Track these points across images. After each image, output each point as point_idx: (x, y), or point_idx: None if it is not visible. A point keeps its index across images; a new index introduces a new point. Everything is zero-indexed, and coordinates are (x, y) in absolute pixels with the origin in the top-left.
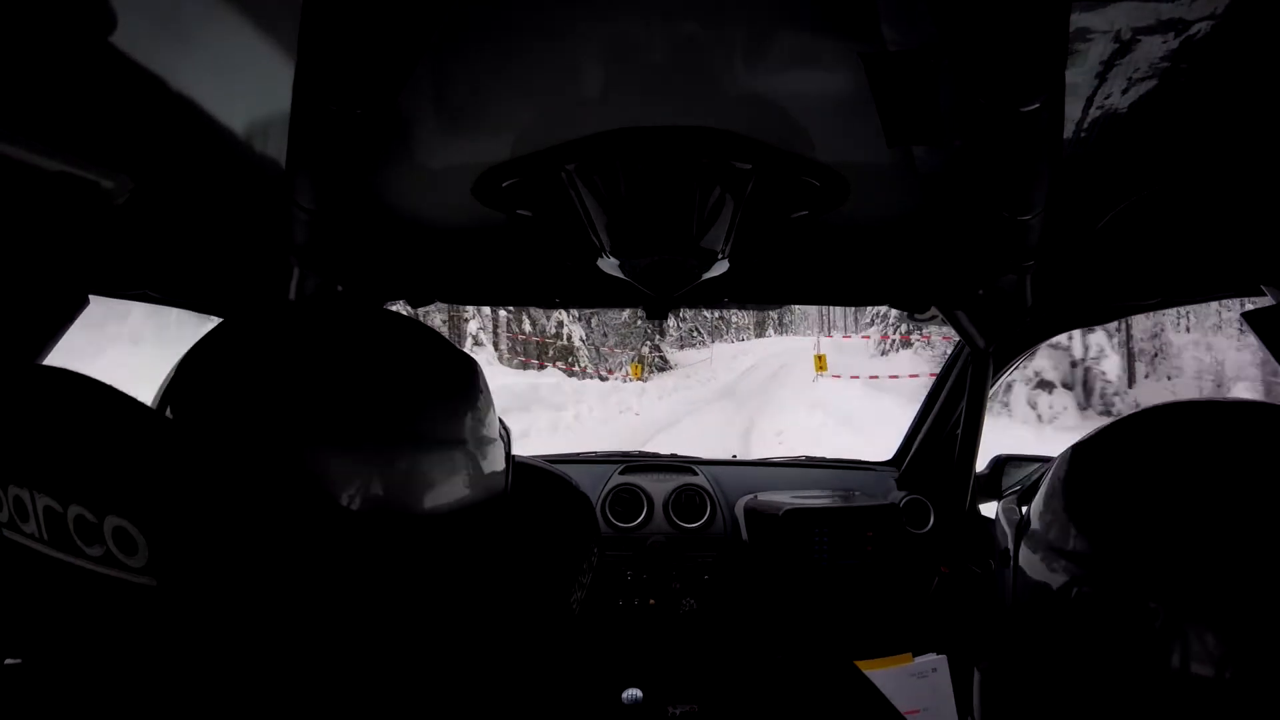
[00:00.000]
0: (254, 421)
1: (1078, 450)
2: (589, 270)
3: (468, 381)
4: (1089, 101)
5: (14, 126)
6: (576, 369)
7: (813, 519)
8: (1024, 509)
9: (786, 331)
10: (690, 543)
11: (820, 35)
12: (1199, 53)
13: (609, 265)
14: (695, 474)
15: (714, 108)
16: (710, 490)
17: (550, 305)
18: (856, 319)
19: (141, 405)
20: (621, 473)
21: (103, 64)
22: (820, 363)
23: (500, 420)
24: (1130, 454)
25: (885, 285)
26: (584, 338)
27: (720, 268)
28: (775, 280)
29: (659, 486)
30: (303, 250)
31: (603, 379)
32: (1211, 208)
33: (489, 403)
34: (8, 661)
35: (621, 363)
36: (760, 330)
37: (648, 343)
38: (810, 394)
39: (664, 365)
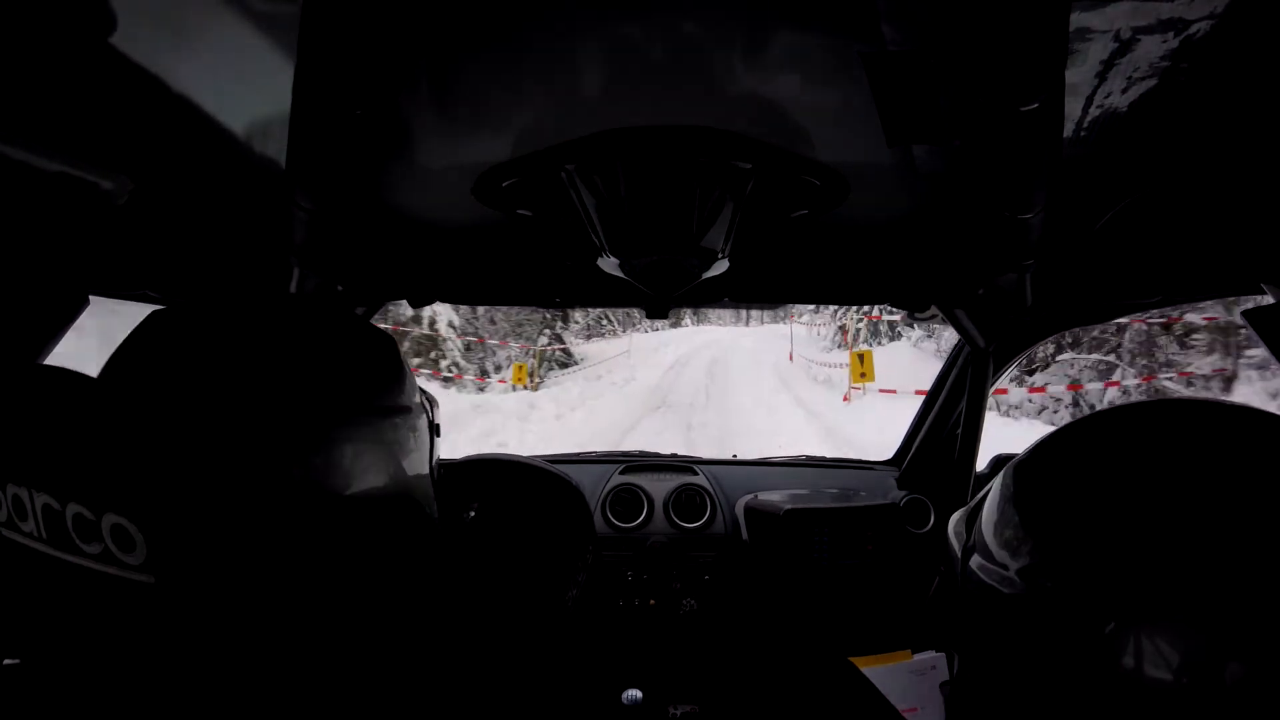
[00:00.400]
0: (226, 421)
1: (1019, 467)
2: (589, 270)
3: (389, 357)
4: (1089, 101)
5: (14, 126)
6: (444, 370)
7: (813, 519)
8: (973, 531)
9: (703, 321)
10: (690, 543)
11: (820, 35)
12: (1199, 53)
13: (609, 265)
14: (695, 474)
15: (714, 107)
16: (710, 490)
17: (550, 305)
18: (781, 312)
19: (141, 405)
20: (622, 472)
21: (103, 64)
22: (861, 367)
23: (422, 390)
24: (1071, 463)
25: (885, 284)
26: (454, 325)
27: (720, 267)
28: (775, 280)
29: (659, 486)
30: (303, 250)
31: (481, 387)
32: (1211, 207)
33: (411, 378)
34: (7, 662)
35: (512, 358)
36: (675, 319)
37: (546, 331)
38: (829, 416)
39: (567, 361)
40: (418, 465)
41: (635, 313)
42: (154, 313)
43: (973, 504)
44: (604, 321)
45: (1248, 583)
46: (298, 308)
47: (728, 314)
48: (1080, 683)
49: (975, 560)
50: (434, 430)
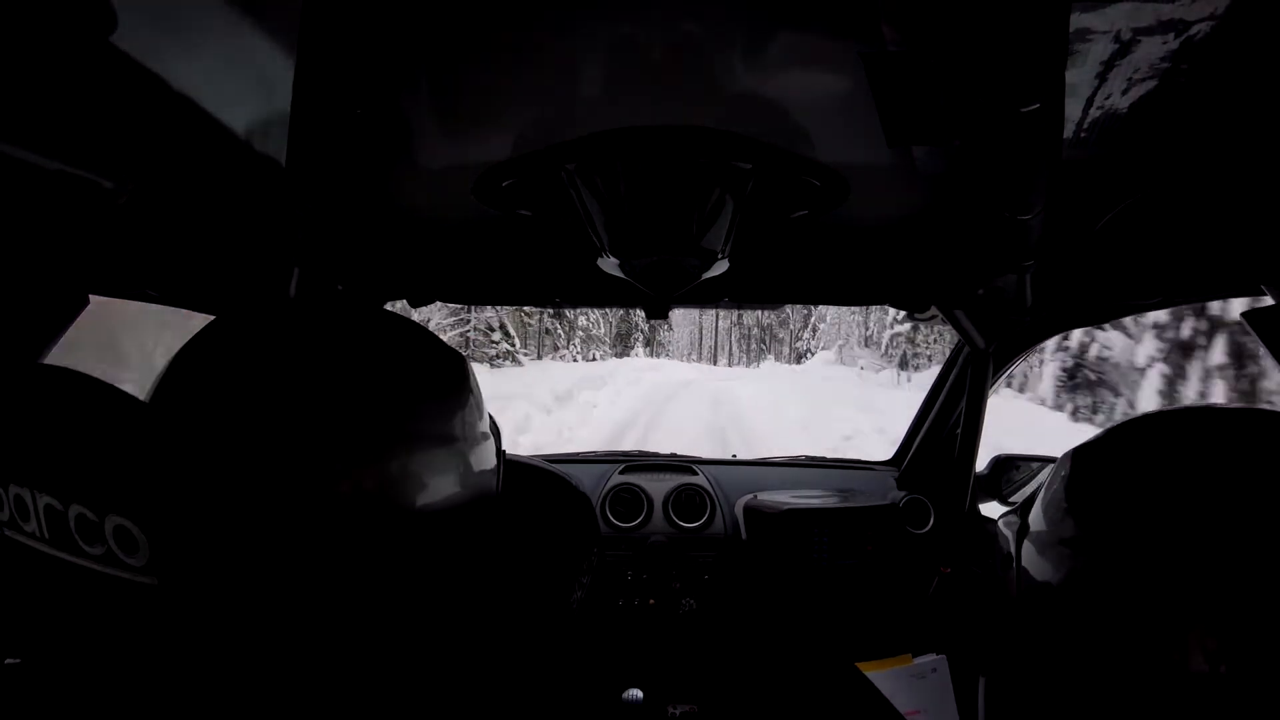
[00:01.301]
0: (250, 424)
1: (1079, 453)
2: (589, 270)
3: (458, 379)
4: (1089, 101)
5: (14, 126)
6: None
7: (812, 519)
8: (1027, 516)
9: (661, 353)
10: (690, 542)
11: (820, 35)
12: (1199, 53)
13: (609, 265)
14: (695, 474)
15: (714, 107)
16: (710, 490)
17: (550, 305)
18: (754, 346)
19: (142, 404)
20: (621, 472)
21: (103, 64)
22: None
23: (490, 416)
24: (1136, 455)
25: (885, 285)
26: None
27: (720, 267)
28: (775, 280)
29: (659, 486)
30: (303, 250)
31: None
32: (1211, 208)
33: (480, 400)
34: (8, 661)
35: None
36: (623, 346)
37: None
38: None
39: None
40: (474, 486)
41: (559, 324)
42: (212, 321)
43: (1023, 500)
44: (499, 334)
45: None
46: (345, 312)
47: (685, 342)
48: (1128, 672)
49: (1027, 552)
50: (500, 457)
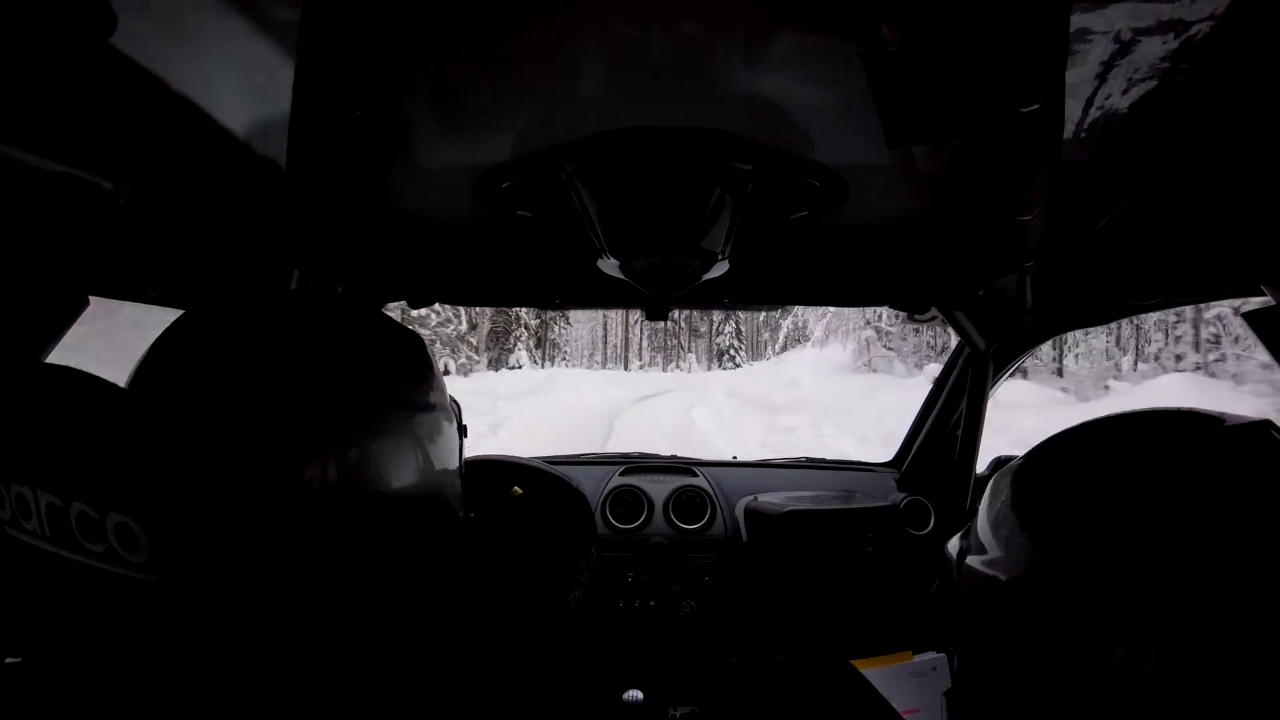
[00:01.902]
0: (224, 416)
1: (1021, 472)
2: (589, 270)
3: (418, 357)
4: (1089, 101)
5: (14, 126)
6: None
7: (813, 520)
8: (968, 535)
9: (557, 356)
10: (690, 544)
11: (820, 35)
12: (1199, 53)
13: (609, 266)
14: (695, 475)
15: (714, 108)
16: (710, 491)
17: (550, 305)
18: (672, 344)
19: (143, 404)
20: (622, 474)
21: (103, 64)
22: None
23: (452, 398)
24: (1081, 466)
25: (885, 286)
26: None
27: (720, 268)
28: (775, 281)
29: (659, 488)
30: (303, 250)
31: None
32: (1211, 208)
33: (439, 378)
34: (8, 660)
35: None
36: (500, 350)
37: None
38: None
39: None
40: (446, 463)
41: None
42: (181, 315)
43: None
44: None
45: (1233, 583)
46: (316, 305)
47: (586, 341)
48: (1075, 677)
49: (971, 560)
50: (461, 432)
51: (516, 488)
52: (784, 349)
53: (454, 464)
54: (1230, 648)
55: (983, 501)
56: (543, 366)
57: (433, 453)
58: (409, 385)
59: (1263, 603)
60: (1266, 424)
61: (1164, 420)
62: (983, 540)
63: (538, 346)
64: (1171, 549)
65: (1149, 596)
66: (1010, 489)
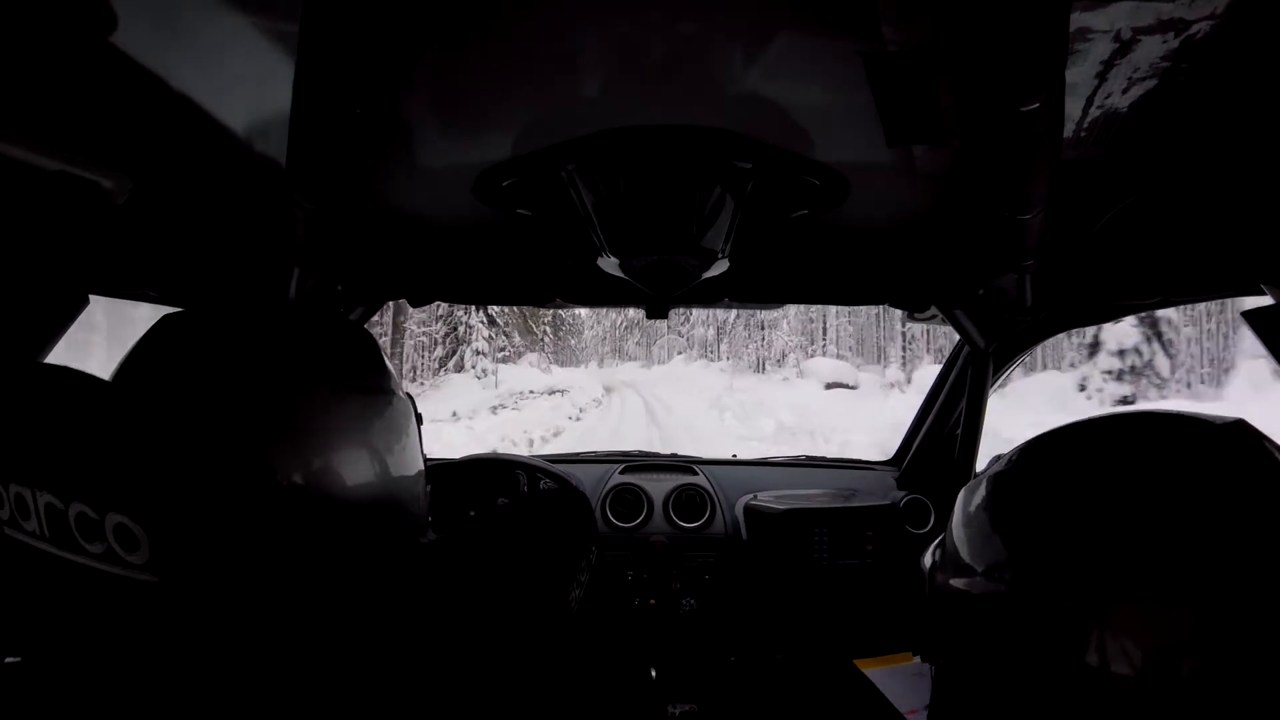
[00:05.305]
0: (239, 420)
1: (997, 479)
2: (589, 270)
3: (370, 352)
4: (1089, 101)
5: (14, 126)
6: None
7: (813, 519)
8: (943, 540)
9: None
10: (690, 542)
11: (820, 35)
12: (1199, 53)
13: (609, 265)
14: (695, 474)
15: (714, 107)
16: (710, 490)
17: (550, 305)
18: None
19: (144, 404)
20: (622, 472)
21: (103, 64)
22: None
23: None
24: (1054, 472)
25: (885, 285)
26: None
27: (720, 267)
28: (775, 280)
29: (659, 486)
30: (303, 250)
31: None
32: (1211, 207)
33: (392, 373)
34: (8, 660)
35: None
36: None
37: None
38: None
39: None
40: (410, 458)
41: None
42: (164, 317)
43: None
44: None
45: (1204, 582)
46: (292, 311)
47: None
48: (1049, 681)
49: (944, 573)
50: (419, 420)
51: (523, 483)
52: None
53: (417, 463)
54: (1213, 651)
55: (955, 508)
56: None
57: (395, 441)
58: (369, 371)
59: (1245, 606)
60: (1241, 423)
61: (1141, 422)
62: (957, 548)
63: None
64: (1151, 552)
65: (1126, 600)
66: (986, 495)
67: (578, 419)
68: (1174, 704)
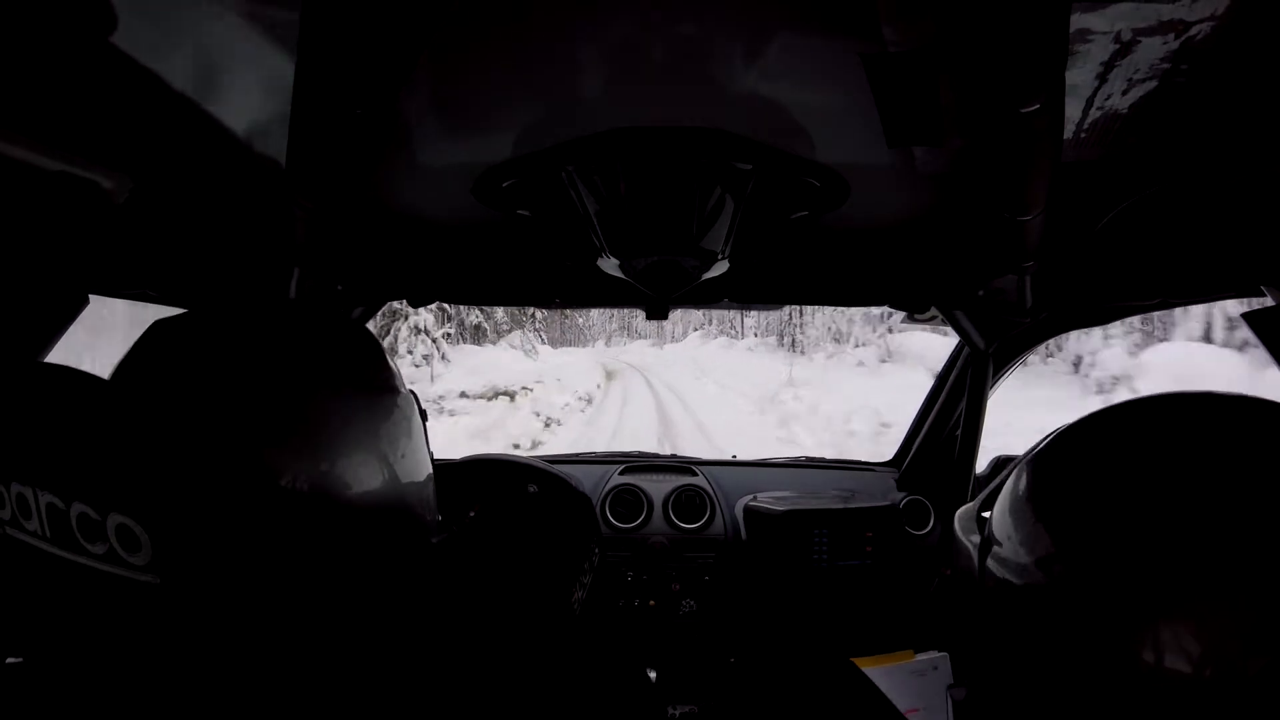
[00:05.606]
0: (239, 421)
1: (1037, 461)
2: (589, 270)
3: (375, 354)
4: (1089, 102)
5: (14, 126)
6: None
7: (813, 520)
8: (986, 528)
9: None
10: (690, 543)
11: (820, 35)
12: (1199, 54)
13: (609, 265)
14: (695, 474)
15: (714, 108)
16: (710, 491)
17: (550, 305)
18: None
19: (146, 404)
20: (621, 473)
21: (103, 64)
22: None
23: (413, 392)
24: (1093, 457)
25: (885, 285)
26: None
27: (720, 268)
28: (775, 280)
29: (659, 487)
30: (303, 250)
31: None
32: (1211, 208)
33: (398, 372)
34: (9, 660)
35: None
36: None
37: None
38: None
39: None
40: (418, 457)
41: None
42: (162, 318)
43: (980, 499)
44: None
45: (1269, 577)
46: (296, 312)
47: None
48: (1101, 677)
49: (994, 555)
50: (423, 417)
51: (532, 485)
52: None
53: (425, 464)
54: (1272, 649)
55: (1005, 495)
56: None
57: (401, 439)
58: (372, 371)
59: None
60: None
61: (1203, 404)
62: (1001, 535)
63: None
64: (1218, 544)
65: (1189, 596)
66: (1029, 480)
67: (549, 426)
68: (1236, 704)
